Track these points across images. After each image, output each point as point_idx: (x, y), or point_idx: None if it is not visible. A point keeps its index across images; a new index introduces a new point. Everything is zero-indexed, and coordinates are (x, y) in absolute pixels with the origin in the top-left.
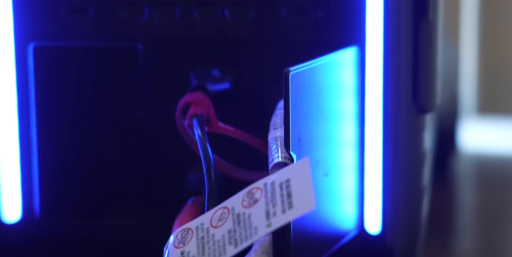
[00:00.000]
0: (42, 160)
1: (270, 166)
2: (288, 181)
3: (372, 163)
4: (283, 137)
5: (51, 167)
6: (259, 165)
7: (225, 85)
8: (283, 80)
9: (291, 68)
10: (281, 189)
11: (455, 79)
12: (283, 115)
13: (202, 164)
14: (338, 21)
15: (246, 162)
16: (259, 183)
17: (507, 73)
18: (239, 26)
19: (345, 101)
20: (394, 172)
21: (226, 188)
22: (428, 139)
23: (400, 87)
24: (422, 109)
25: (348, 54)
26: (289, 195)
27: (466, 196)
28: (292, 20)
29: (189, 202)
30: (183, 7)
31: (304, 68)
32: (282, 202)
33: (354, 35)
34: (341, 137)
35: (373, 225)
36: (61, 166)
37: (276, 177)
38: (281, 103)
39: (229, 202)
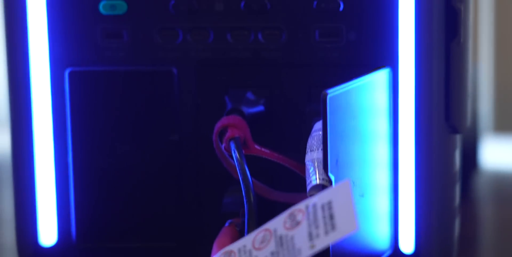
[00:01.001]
0: (78, 183)
1: (308, 187)
2: (329, 203)
3: (406, 183)
4: (320, 159)
5: (87, 190)
6: (294, 187)
7: (259, 108)
8: (321, 103)
9: (328, 91)
10: (323, 211)
11: (473, 98)
12: (319, 137)
13: (237, 186)
14: (370, 43)
15: (282, 184)
16: (301, 205)
17: None
18: (272, 49)
19: (378, 122)
20: (427, 191)
21: (263, 209)
22: (459, 159)
23: (433, 107)
24: (455, 129)
25: (381, 76)
26: (331, 217)
27: (487, 213)
28: (325, 43)
29: (226, 224)
30: (217, 31)
31: (341, 90)
32: (325, 223)
33: (386, 57)
34: (375, 157)
35: (407, 245)
36: (97, 189)
37: (317, 199)
38: (317, 125)
39: (271, 224)
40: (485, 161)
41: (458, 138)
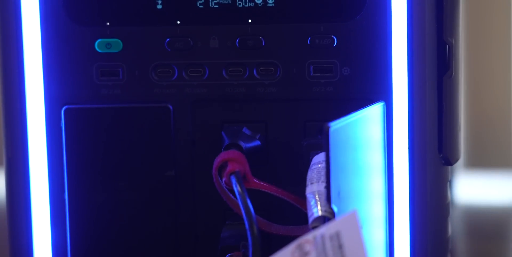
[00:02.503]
0: (74, 220)
1: (310, 220)
2: (338, 233)
3: (401, 214)
4: (321, 191)
5: (83, 227)
6: (293, 220)
7: (256, 143)
8: (323, 136)
9: (330, 124)
10: (332, 241)
11: None
12: (319, 170)
13: (234, 220)
14: (364, 77)
15: (281, 217)
16: (308, 236)
17: (493, 129)
18: (267, 85)
19: (374, 155)
20: (422, 222)
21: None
22: (450, 190)
23: (426, 140)
24: (447, 161)
25: (376, 110)
26: (340, 246)
27: (461, 247)
28: (319, 78)
29: None
30: (212, 67)
31: (341, 124)
32: (334, 253)
33: (380, 91)
34: (371, 189)
35: None
36: (93, 225)
37: (325, 230)
38: (316, 158)
39: (278, 256)
40: (458, 195)
41: (449, 170)
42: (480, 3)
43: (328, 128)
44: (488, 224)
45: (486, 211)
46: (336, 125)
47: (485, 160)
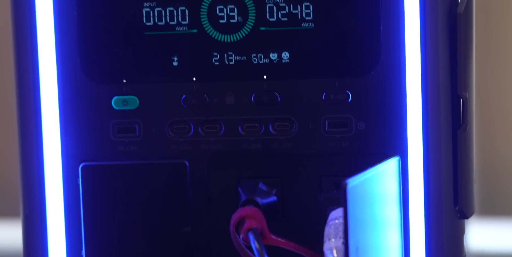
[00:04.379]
0: None
1: None
2: None
3: None
4: (339, 247)
5: None
6: None
7: (272, 198)
8: (341, 192)
9: (348, 181)
10: None
11: None
12: (336, 226)
13: None
14: (379, 132)
15: None
16: None
17: (505, 177)
18: (282, 140)
19: (390, 209)
20: None
21: None
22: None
23: (442, 194)
24: (463, 215)
25: (391, 165)
26: None
27: None
28: (334, 133)
29: None
30: (228, 123)
31: (359, 180)
32: None
33: (395, 146)
34: (388, 244)
35: None
36: None
37: None
38: (333, 214)
39: None
40: (470, 243)
41: (465, 223)
42: (492, 52)
43: (345, 185)
44: None
45: None
46: (354, 182)
47: (497, 207)
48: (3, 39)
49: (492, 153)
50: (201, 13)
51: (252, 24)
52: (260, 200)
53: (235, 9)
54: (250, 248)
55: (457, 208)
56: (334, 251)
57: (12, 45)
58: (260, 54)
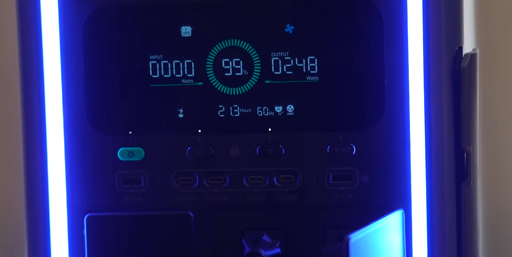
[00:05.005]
0: None
1: None
2: None
3: None
4: None
5: None
6: None
7: (276, 250)
8: (344, 247)
9: (350, 236)
10: None
11: None
12: None
13: None
14: (383, 185)
15: None
16: None
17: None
18: (287, 192)
19: None
20: None
21: None
22: None
23: (445, 247)
24: None
25: (395, 218)
26: None
27: None
28: (338, 185)
29: None
30: (233, 175)
31: (361, 234)
32: None
33: (399, 198)
34: None
35: None
36: None
37: None
38: None
39: None
40: None
41: None
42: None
43: (348, 240)
44: None
45: None
46: (356, 237)
47: None
48: (12, 89)
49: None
50: (207, 66)
51: (257, 77)
52: (264, 252)
53: (241, 62)
54: None
55: None
56: None
57: (20, 96)
58: (265, 107)
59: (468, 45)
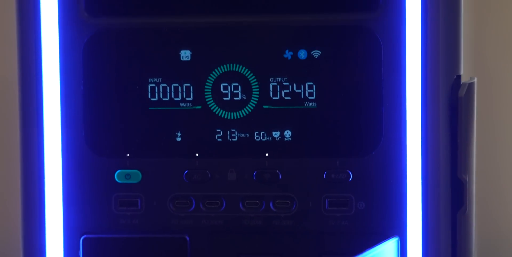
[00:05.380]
0: None
1: None
2: None
3: None
4: None
5: None
6: None
7: None
8: None
9: None
10: None
11: None
12: None
13: None
14: (379, 212)
15: None
16: None
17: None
18: (283, 217)
19: None
20: None
21: None
22: None
23: None
24: None
25: (390, 245)
26: None
27: None
28: (334, 212)
29: None
30: (229, 199)
31: None
32: None
33: (395, 225)
34: None
35: None
36: None
37: None
38: None
39: None
40: None
41: None
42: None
43: None
44: None
45: None
46: None
47: None
48: (11, 110)
49: (492, 234)
50: (206, 90)
51: (255, 102)
52: None
53: (239, 87)
54: None
55: None
56: None
57: (19, 117)
58: (263, 132)
59: (467, 73)
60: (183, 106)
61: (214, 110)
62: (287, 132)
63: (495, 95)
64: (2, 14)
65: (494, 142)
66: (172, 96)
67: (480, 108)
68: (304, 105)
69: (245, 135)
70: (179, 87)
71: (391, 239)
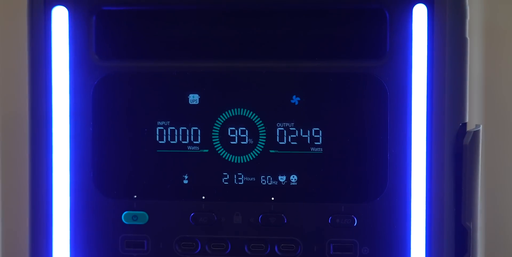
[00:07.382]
0: None
1: None
2: None
3: None
4: None
5: None
6: None
7: None
8: None
9: None
10: None
11: None
12: None
13: None
14: None
15: None
16: None
17: None
18: None
19: None
20: None
21: None
22: None
23: None
24: None
25: None
26: None
27: None
28: (339, 256)
29: None
30: (234, 242)
31: None
32: None
33: None
34: None
35: None
36: None
37: None
38: None
39: None
40: None
41: None
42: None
43: None
44: None
45: None
46: None
47: None
48: (21, 151)
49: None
50: (213, 133)
51: (262, 146)
52: None
53: (246, 131)
54: None
55: None
56: None
57: (28, 158)
58: (269, 176)
59: (473, 120)
60: (191, 150)
61: (221, 154)
62: (293, 177)
63: (502, 142)
64: (15, 53)
65: (498, 189)
66: (180, 139)
67: (486, 155)
68: (310, 150)
69: (252, 178)
70: (187, 131)
71: None
